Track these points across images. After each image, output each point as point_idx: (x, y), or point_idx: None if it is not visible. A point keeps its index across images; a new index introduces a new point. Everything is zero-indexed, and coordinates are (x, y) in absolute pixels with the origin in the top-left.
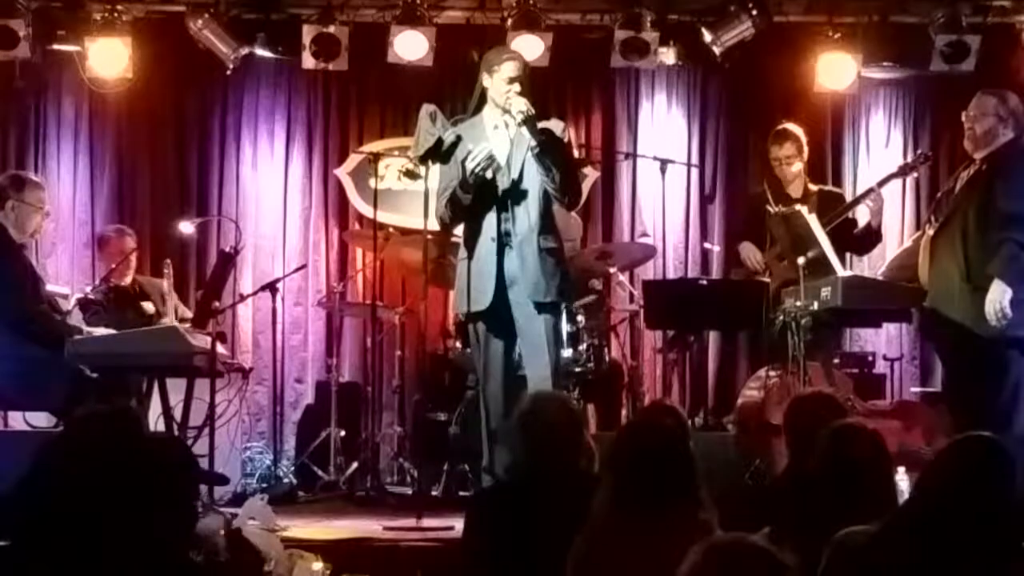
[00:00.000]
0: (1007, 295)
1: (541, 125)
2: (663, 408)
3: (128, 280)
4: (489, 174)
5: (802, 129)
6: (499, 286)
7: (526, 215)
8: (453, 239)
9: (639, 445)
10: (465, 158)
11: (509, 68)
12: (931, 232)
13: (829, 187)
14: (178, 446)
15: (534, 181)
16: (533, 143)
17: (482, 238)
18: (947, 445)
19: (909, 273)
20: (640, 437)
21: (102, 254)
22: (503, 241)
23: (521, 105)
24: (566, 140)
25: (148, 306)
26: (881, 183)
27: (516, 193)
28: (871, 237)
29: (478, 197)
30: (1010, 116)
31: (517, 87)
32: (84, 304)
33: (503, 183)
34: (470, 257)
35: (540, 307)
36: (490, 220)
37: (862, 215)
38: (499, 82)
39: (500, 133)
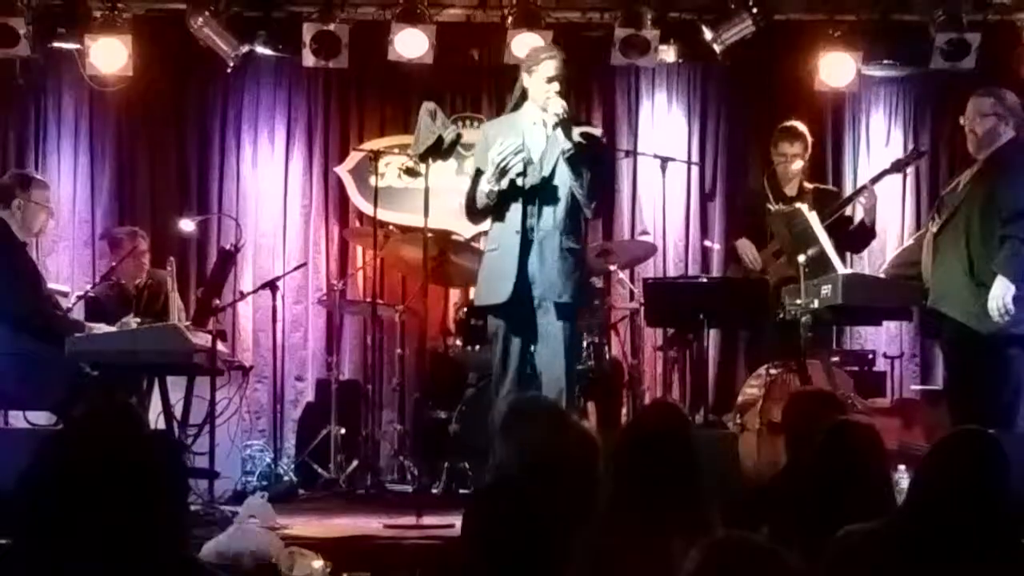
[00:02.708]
0: (1010, 292)
1: (582, 130)
2: (665, 406)
3: (139, 281)
4: (519, 167)
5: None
6: (520, 281)
7: (552, 213)
8: (454, 237)
9: (641, 443)
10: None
11: (548, 67)
12: (934, 229)
13: (824, 185)
14: (169, 441)
15: (564, 181)
16: (567, 146)
17: (507, 231)
18: (940, 440)
19: (911, 271)
20: (642, 435)
21: (114, 255)
22: (527, 236)
23: (558, 108)
24: (604, 145)
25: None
26: (875, 179)
27: (544, 190)
28: (865, 234)
29: (505, 191)
30: (1008, 113)
31: (557, 86)
32: (86, 302)
33: (533, 178)
34: (495, 249)
35: (558, 307)
36: (516, 214)
37: (857, 212)
38: (538, 81)
39: (538, 129)
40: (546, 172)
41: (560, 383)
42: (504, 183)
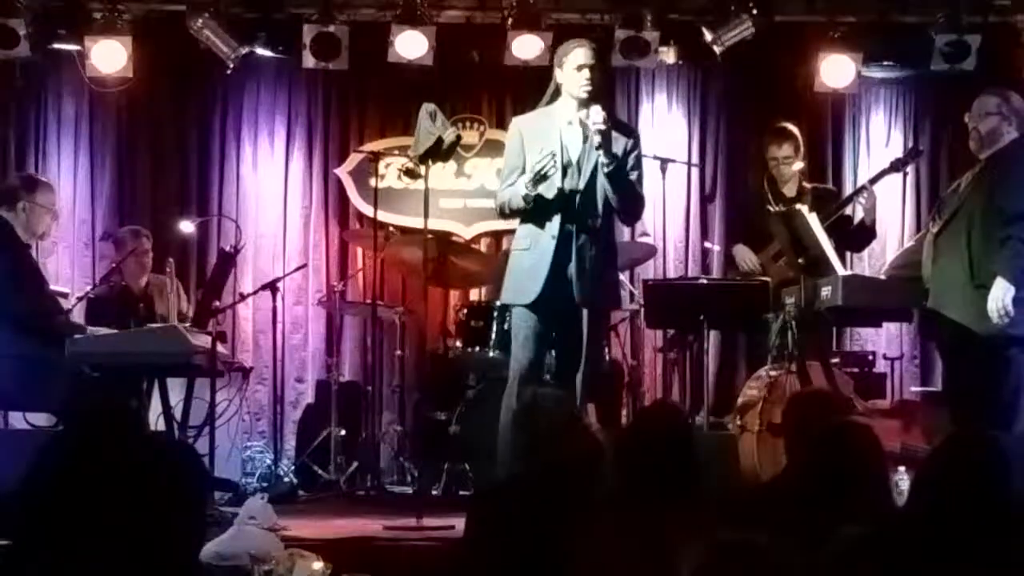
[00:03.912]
0: (1010, 293)
1: (616, 135)
2: (666, 408)
3: (143, 282)
4: (558, 178)
5: (801, 128)
6: (552, 283)
7: (587, 216)
8: (454, 238)
9: (642, 445)
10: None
11: (578, 55)
12: (934, 230)
13: (824, 185)
14: (186, 449)
15: (601, 185)
16: (605, 160)
17: (541, 232)
18: (941, 442)
19: (912, 272)
20: (643, 437)
21: (117, 256)
22: (563, 239)
23: (598, 120)
24: (638, 152)
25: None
26: (873, 180)
27: (582, 193)
28: (865, 234)
29: (542, 193)
30: (1013, 114)
31: (588, 73)
32: (89, 303)
33: (571, 181)
34: (527, 248)
35: (590, 310)
36: (552, 216)
37: (856, 212)
38: (570, 72)
39: (574, 129)
40: (584, 176)
41: (577, 384)
42: (545, 190)
